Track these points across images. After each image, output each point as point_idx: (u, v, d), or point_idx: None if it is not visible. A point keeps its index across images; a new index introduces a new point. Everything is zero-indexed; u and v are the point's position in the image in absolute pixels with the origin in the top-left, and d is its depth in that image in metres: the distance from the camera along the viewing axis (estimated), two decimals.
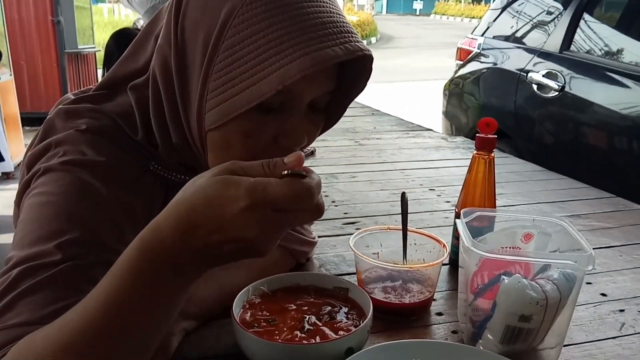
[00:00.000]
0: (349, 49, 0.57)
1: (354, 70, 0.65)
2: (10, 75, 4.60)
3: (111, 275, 0.50)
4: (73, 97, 0.71)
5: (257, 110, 0.58)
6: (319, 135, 0.71)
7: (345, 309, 0.73)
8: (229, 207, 0.46)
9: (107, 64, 2.81)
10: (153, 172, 0.70)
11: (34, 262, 0.57)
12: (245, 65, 0.56)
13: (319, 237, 1.12)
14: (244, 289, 0.74)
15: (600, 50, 2.48)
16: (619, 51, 2.43)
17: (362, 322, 0.68)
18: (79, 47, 5.95)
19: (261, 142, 0.61)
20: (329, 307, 0.73)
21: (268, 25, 0.56)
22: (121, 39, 2.74)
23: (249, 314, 0.71)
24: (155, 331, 0.52)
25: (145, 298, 0.49)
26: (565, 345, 0.75)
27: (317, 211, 0.50)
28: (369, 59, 0.62)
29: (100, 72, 6.23)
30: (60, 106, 0.70)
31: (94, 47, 6.38)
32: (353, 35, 0.60)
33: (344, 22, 0.60)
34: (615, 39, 2.49)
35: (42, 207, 0.61)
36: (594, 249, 0.69)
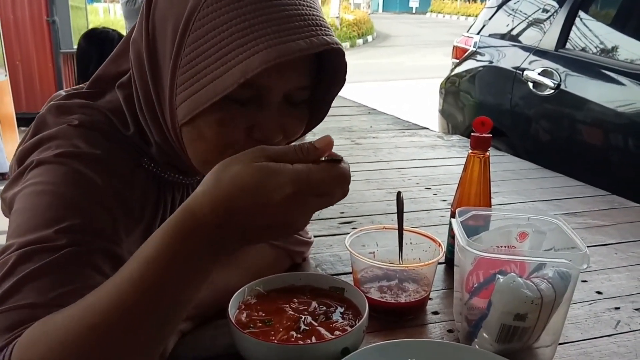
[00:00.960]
0: (314, 42, 0.57)
1: (331, 65, 0.65)
2: (6, 75, 4.58)
3: (140, 258, 0.50)
4: (64, 94, 0.71)
5: (228, 102, 0.58)
6: (308, 131, 0.71)
7: (341, 309, 0.73)
8: (275, 195, 0.47)
9: (79, 63, 2.84)
10: (146, 168, 0.70)
11: (35, 245, 0.56)
12: (210, 58, 0.56)
13: (315, 236, 1.12)
14: (240, 290, 0.74)
15: (595, 48, 2.49)
16: (615, 49, 2.43)
17: (358, 322, 0.68)
18: (75, 47, 5.92)
19: (235, 132, 0.61)
20: (325, 307, 0.73)
21: (232, 18, 0.55)
22: (91, 38, 2.78)
23: (244, 315, 0.71)
24: (182, 310, 0.53)
25: (180, 277, 0.50)
26: (560, 344, 0.76)
27: (347, 192, 0.54)
28: (339, 52, 0.61)
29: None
30: (52, 102, 0.69)
31: None
32: (321, 28, 0.59)
33: (313, 15, 0.59)
34: (611, 37, 2.49)
35: (38, 196, 0.61)
36: (589, 246, 0.69)
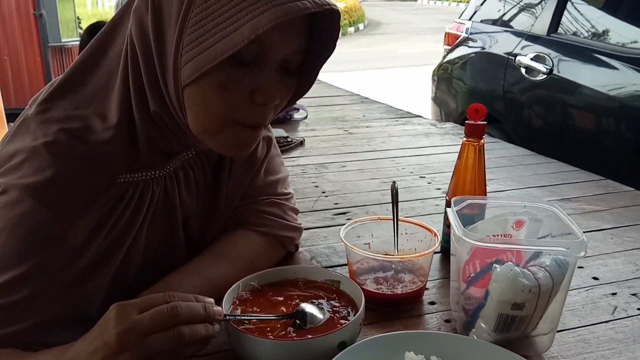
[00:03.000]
0: (317, 2, 0.60)
1: (323, 32, 0.68)
2: None
3: None
4: (49, 91, 0.69)
5: (231, 64, 0.61)
6: (294, 102, 0.75)
7: (336, 302, 0.72)
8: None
9: None
10: (121, 182, 0.70)
11: None
12: (219, 18, 0.59)
13: (309, 228, 1.11)
14: (234, 285, 0.73)
15: (587, 32, 2.48)
16: (606, 32, 2.42)
17: (354, 315, 0.67)
18: (63, 40, 5.85)
19: (237, 96, 0.63)
20: (320, 301, 0.72)
21: None
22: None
23: (239, 311, 0.70)
24: None
25: None
26: (558, 331, 0.75)
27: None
28: (337, 15, 0.64)
29: None
30: (36, 106, 0.68)
31: (78, 40, 6.28)
32: None
33: None
34: (602, 21, 2.48)
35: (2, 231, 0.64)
36: (584, 232, 0.68)
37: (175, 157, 0.77)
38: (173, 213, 0.78)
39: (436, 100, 3.48)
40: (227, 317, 0.65)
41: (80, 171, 0.66)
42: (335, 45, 0.69)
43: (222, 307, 0.68)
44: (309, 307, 0.70)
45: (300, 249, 1.01)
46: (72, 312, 0.68)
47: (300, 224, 0.98)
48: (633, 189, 1.37)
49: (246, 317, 0.68)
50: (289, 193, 0.98)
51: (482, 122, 0.90)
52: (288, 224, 0.93)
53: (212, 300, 0.63)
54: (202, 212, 0.84)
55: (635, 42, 2.22)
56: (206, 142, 0.69)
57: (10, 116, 4.78)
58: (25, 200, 0.63)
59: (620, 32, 2.36)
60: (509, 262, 0.68)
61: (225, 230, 0.88)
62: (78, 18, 6.64)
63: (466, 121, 0.91)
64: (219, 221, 0.88)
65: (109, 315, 0.57)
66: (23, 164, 0.64)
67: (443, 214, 1.00)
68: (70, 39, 6.01)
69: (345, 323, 0.67)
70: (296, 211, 0.98)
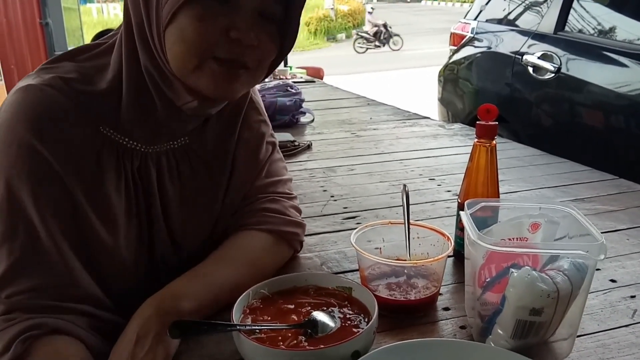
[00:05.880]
0: None
1: None
2: (1, 80, 4.55)
3: None
4: (51, 58, 0.77)
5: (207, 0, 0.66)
6: (284, 55, 0.77)
7: (349, 310, 0.71)
8: None
9: None
10: (103, 134, 0.74)
11: None
12: None
13: (319, 233, 1.09)
14: (244, 293, 0.71)
15: (594, 29, 2.45)
16: (613, 29, 2.39)
17: (368, 324, 0.65)
18: (69, 48, 5.88)
19: (213, 29, 0.67)
20: (332, 309, 0.71)
21: None
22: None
23: (249, 319, 0.69)
24: None
25: None
26: (577, 336, 0.73)
27: None
28: None
29: None
30: (38, 69, 0.75)
31: None
32: None
33: None
34: (609, 18, 2.45)
35: None
36: (600, 233, 0.66)
37: (161, 138, 0.80)
38: (151, 195, 0.80)
39: (443, 101, 3.46)
40: (238, 327, 0.64)
41: (69, 112, 0.71)
42: None
43: (232, 316, 0.66)
44: (320, 316, 0.68)
45: (310, 255, 1.00)
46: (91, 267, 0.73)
47: (302, 221, 0.96)
48: None
49: (257, 327, 0.66)
50: (292, 194, 0.97)
51: (494, 123, 0.88)
52: (289, 219, 0.92)
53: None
54: (187, 205, 0.84)
55: None
56: (189, 81, 0.71)
57: None
58: (18, 133, 0.68)
59: (628, 29, 2.33)
60: (526, 267, 0.66)
61: (228, 234, 0.88)
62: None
63: (477, 122, 0.89)
64: (205, 218, 0.87)
65: None
66: (15, 101, 0.70)
67: (455, 217, 0.98)
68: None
69: (358, 331, 0.65)
70: (299, 210, 0.98)
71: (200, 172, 0.85)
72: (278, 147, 0.98)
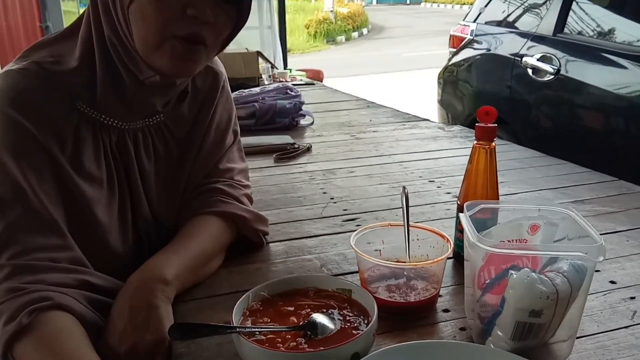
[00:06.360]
0: None
1: None
2: None
3: None
4: (28, 48, 0.81)
5: None
6: (237, 32, 0.81)
7: (348, 312, 0.71)
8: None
9: None
10: (80, 110, 0.79)
11: None
12: None
13: (318, 235, 1.09)
14: (244, 296, 0.71)
15: (593, 31, 2.45)
16: (612, 31, 2.40)
17: (368, 326, 0.65)
18: None
19: (171, 7, 0.71)
20: (332, 310, 0.71)
21: None
22: None
23: (249, 322, 0.69)
24: None
25: None
26: (577, 338, 0.73)
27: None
28: None
29: None
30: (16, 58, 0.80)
31: None
32: None
33: None
34: (608, 19, 2.46)
35: None
36: (599, 234, 0.66)
37: (135, 114, 0.85)
38: (130, 170, 0.86)
39: (443, 103, 3.46)
40: (238, 329, 0.64)
41: (46, 89, 0.76)
42: None
43: (232, 318, 0.67)
44: (320, 318, 0.68)
45: (310, 256, 1.00)
46: (82, 234, 0.78)
47: (253, 209, 1.01)
48: None
49: (257, 329, 0.66)
50: (247, 183, 1.04)
51: (493, 125, 0.88)
52: (242, 206, 0.97)
53: None
54: (162, 180, 0.91)
55: None
56: (150, 60, 0.76)
57: None
58: (1, 110, 0.73)
59: (627, 31, 2.33)
60: (526, 268, 0.66)
61: (190, 215, 0.92)
62: None
63: (476, 124, 0.89)
64: (176, 193, 0.94)
65: None
66: None
67: (454, 219, 0.98)
68: None
69: (358, 333, 0.65)
70: (251, 199, 1.05)
71: (172, 149, 0.92)
72: (240, 137, 1.05)
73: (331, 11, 17.89)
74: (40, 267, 0.71)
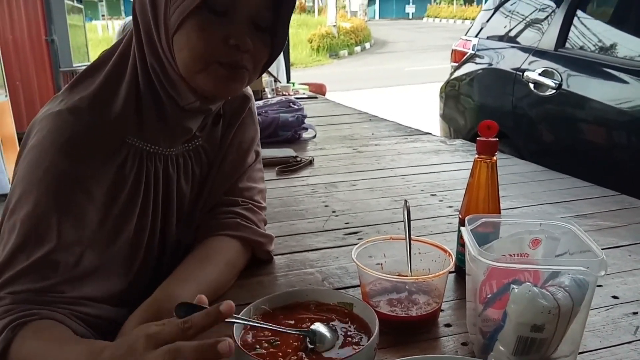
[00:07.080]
0: None
1: None
2: (6, 96, 4.59)
3: None
4: (71, 82, 0.82)
5: (206, 12, 0.73)
6: (274, 58, 0.84)
7: (349, 326, 0.71)
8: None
9: None
10: (129, 144, 0.81)
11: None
12: None
13: (320, 249, 1.10)
14: (245, 309, 0.71)
15: (595, 46, 2.47)
16: (614, 46, 2.41)
17: (369, 340, 0.65)
18: (74, 65, 5.95)
19: (214, 38, 0.74)
20: (333, 324, 0.70)
21: None
22: None
23: (250, 335, 0.69)
24: None
25: None
26: (579, 353, 0.73)
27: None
28: None
29: None
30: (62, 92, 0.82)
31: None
32: None
33: None
34: (610, 34, 2.48)
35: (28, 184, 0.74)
36: (601, 249, 0.66)
37: (177, 141, 0.88)
38: (171, 195, 0.88)
39: (445, 117, 3.47)
40: (241, 320, 0.64)
41: (97, 129, 0.77)
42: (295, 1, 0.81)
43: (233, 332, 0.66)
44: (321, 328, 0.68)
45: (311, 270, 1.00)
46: (101, 271, 0.78)
47: (270, 233, 1.02)
48: None
49: (262, 325, 0.66)
50: (264, 205, 1.05)
51: (494, 139, 0.88)
52: (260, 231, 0.99)
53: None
54: (190, 202, 0.94)
55: None
56: (194, 82, 0.78)
57: None
58: (49, 154, 0.73)
59: (628, 46, 2.35)
60: (527, 283, 0.66)
61: (208, 234, 0.93)
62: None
63: (478, 138, 0.89)
64: (198, 209, 0.96)
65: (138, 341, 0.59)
66: (47, 126, 0.75)
67: (456, 232, 0.98)
68: (82, 63, 6.11)
69: (359, 348, 0.65)
70: (266, 222, 1.05)
71: (204, 167, 0.95)
72: (261, 157, 1.07)
73: (334, 26, 18.03)
74: (44, 301, 0.71)
